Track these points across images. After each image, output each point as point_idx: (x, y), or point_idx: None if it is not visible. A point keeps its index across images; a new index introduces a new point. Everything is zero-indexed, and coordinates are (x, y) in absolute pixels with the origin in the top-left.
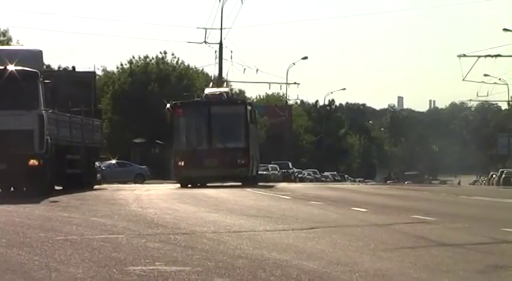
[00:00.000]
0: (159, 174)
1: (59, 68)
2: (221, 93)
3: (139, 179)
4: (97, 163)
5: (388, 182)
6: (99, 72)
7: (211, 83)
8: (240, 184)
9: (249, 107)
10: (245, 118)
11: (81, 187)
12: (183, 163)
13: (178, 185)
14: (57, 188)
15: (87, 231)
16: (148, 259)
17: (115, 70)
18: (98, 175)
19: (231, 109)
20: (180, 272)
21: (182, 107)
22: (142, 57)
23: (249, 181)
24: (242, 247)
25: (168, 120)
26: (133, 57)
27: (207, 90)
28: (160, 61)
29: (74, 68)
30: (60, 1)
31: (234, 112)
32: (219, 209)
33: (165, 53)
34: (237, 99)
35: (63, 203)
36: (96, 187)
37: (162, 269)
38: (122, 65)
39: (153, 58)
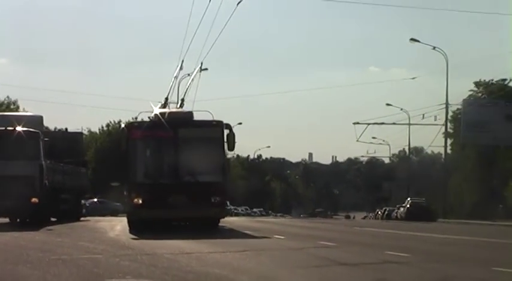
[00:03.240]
0: None
1: (55, 129)
2: (189, 112)
3: (115, 213)
4: (83, 201)
5: (302, 215)
6: (85, 133)
7: (159, 104)
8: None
9: (226, 131)
10: (222, 144)
11: (71, 219)
12: (140, 201)
13: (127, 227)
14: (52, 219)
15: (75, 252)
16: (121, 273)
17: (97, 131)
18: (83, 210)
19: (205, 132)
20: None
21: (140, 128)
22: (116, 121)
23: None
24: (192, 265)
25: (123, 145)
26: (110, 122)
27: (159, 111)
28: None
29: (66, 129)
30: (55, 77)
31: (208, 136)
32: (175, 236)
33: (136, 118)
34: (212, 120)
35: (57, 231)
36: (82, 219)
37: None
38: (102, 127)
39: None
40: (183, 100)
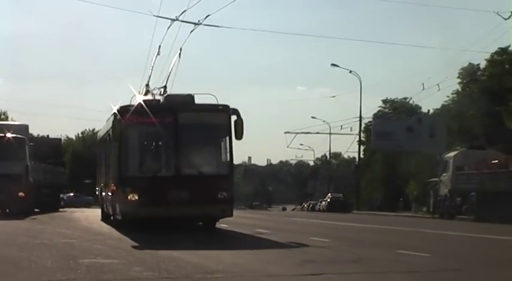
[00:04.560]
0: None
1: (38, 135)
2: (190, 95)
3: (88, 205)
4: (61, 195)
5: (242, 207)
6: (64, 139)
7: (142, 89)
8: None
9: (233, 117)
10: (229, 132)
11: (51, 210)
12: (136, 197)
13: (108, 224)
14: (35, 210)
15: (54, 237)
16: (92, 255)
17: (74, 137)
18: (61, 202)
19: (210, 118)
20: (112, 263)
21: (136, 112)
22: (90, 129)
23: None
24: (153, 250)
25: (116, 132)
26: (85, 130)
27: (141, 98)
28: None
29: (48, 136)
30: (39, 92)
31: (213, 122)
32: (136, 224)
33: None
34: (217, 104)
35: (39, 220)
36: (60, 210)
37: (101, 261)
38: (78, 134)
39: (99, 130)
40: (165, 87)
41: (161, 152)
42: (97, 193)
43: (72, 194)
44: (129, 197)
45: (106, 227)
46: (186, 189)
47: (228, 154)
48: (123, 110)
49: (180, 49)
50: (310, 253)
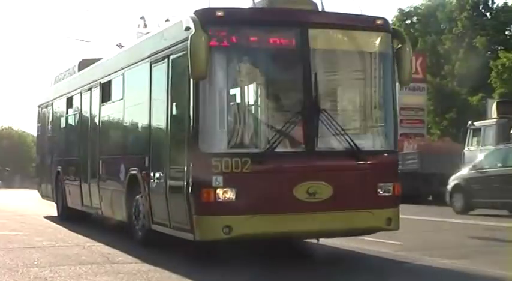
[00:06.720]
0: (9, 185)
1: None
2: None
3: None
4: None
5: None
6: None
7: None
8: None
9: (397, 43)
10: (392, 70)
11: None
12: (232, 195)
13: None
14: None
15: None
16: (1, 228)
17: None
18: None
19: (363, 41)
20: (17, 235)
21: (234, 24)
22: (7, 127)
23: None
24: (51, 223)
25: (199, 60)
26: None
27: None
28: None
29: None
30: None
31: (368, 51)
32: (41, 203)
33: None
34: (374, 16)
35: None
36: None
37: (7, 233)
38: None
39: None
40: (168, 20)
41: (278, 107)
42: (46, 177)
43: None
44: (217, 194)
45: (13, 206)
46: (327, 179)
47: (392, 112)
48: (209, 17)
49: None
50: None
